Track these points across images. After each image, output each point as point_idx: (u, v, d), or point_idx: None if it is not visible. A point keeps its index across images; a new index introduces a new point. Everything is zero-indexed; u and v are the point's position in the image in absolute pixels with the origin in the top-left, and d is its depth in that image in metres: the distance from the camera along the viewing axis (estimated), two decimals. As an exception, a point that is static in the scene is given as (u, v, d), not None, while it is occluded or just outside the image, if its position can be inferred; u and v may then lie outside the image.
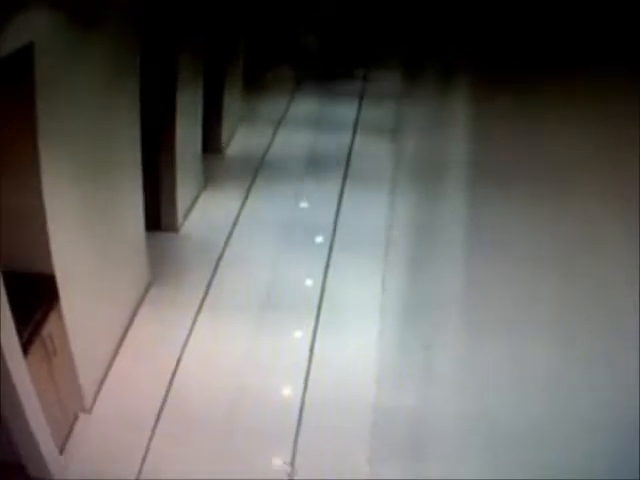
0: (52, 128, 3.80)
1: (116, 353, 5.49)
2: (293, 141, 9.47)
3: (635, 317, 5.67)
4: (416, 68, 11.30)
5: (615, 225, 6.93)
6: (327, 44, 12.01)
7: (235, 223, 7.43)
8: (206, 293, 6.31)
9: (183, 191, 7.17)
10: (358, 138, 9.54)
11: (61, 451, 4.49)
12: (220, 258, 6.83)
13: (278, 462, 4.69)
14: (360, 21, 11.93)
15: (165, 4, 6.00)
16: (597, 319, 5.87)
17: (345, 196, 8.05)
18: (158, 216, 7.02)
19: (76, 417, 4.81)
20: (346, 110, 10.44)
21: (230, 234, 7.23)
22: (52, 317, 4.21)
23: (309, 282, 6.56)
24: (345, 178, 8.44)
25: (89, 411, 4.95)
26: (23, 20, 3.30)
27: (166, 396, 5.15)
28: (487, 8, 11.89)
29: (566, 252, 6.72)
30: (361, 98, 10.87)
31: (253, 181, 8.33)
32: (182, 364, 5.47)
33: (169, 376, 5.33)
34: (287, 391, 5.29)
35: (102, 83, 4.61)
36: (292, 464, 4.66)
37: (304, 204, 7.95)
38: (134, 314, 5.91)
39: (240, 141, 9.42)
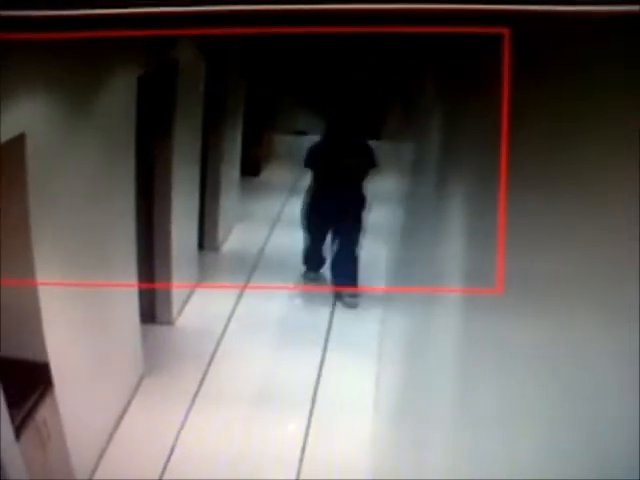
0: (45, 218, 3.91)
1: (110, 439, 5.48)
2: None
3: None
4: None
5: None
6: None
7: (230, 318, 7.48)
8: (200, 385, 6.32)
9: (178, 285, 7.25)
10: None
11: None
12: (215, 352, 6.87)
13: None
14: None
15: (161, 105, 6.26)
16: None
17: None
18: (153, 309, 7.11)
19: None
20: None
21: (225, 329, 7.28)
22: (46, 403, 4.23)
23: (303, 378, 6.57)
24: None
25: (81, 497, 4.90)
26: (14, 110, 3.38)
27: (159, 483, 5.15)
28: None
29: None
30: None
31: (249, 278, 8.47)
32: (175, 453, 5.46)
33: (162, 464, 5.31)
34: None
35: (96, 174, 4.72)
36: None
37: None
38: (128, 403, 5.92)
39: (236, 239, 9.61)
